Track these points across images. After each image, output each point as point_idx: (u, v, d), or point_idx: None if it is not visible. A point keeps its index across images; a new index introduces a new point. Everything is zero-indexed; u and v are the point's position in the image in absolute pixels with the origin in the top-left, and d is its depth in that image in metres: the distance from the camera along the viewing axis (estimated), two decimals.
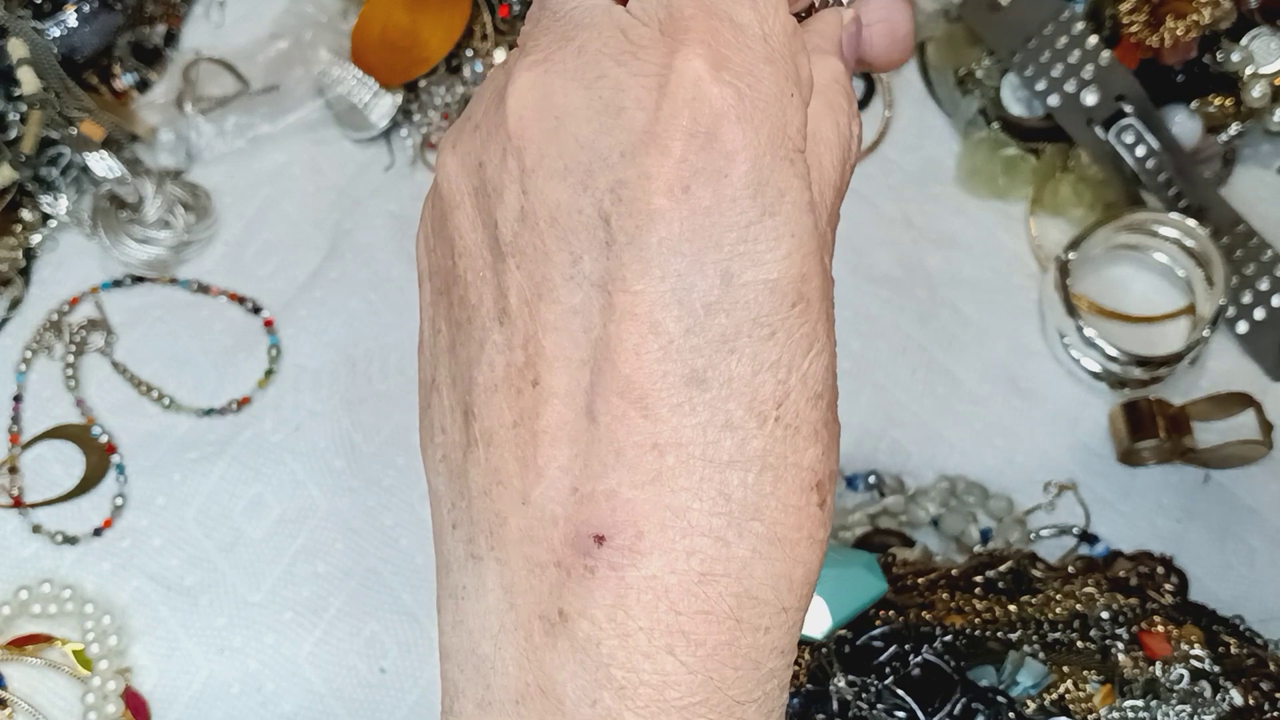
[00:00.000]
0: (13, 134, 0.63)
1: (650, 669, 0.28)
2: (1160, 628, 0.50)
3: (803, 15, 0.33)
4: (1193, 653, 0.49)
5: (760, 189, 0.28)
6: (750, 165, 0.28)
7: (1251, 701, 0.49)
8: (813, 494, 0.29)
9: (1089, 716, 0.48)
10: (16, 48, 0.62)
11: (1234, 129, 0.65)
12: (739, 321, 0.28)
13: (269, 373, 0.63)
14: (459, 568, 0.30)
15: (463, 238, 0.30)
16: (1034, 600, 0.52)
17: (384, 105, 0.67)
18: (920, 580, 0.53)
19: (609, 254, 0.28)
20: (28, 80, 0.62)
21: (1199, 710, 0.48)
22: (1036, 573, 0.54)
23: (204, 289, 0.65)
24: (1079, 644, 0.51)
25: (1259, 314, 0.63)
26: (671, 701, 0.28)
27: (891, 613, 0.50)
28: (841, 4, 0.34)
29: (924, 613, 0.51)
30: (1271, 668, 0.50)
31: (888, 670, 0.48)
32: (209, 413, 0.62)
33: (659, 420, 0.28)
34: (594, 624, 0.28)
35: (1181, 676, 0.48)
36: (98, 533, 0.60)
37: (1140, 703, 0.48)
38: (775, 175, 0.28)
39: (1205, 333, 0.61)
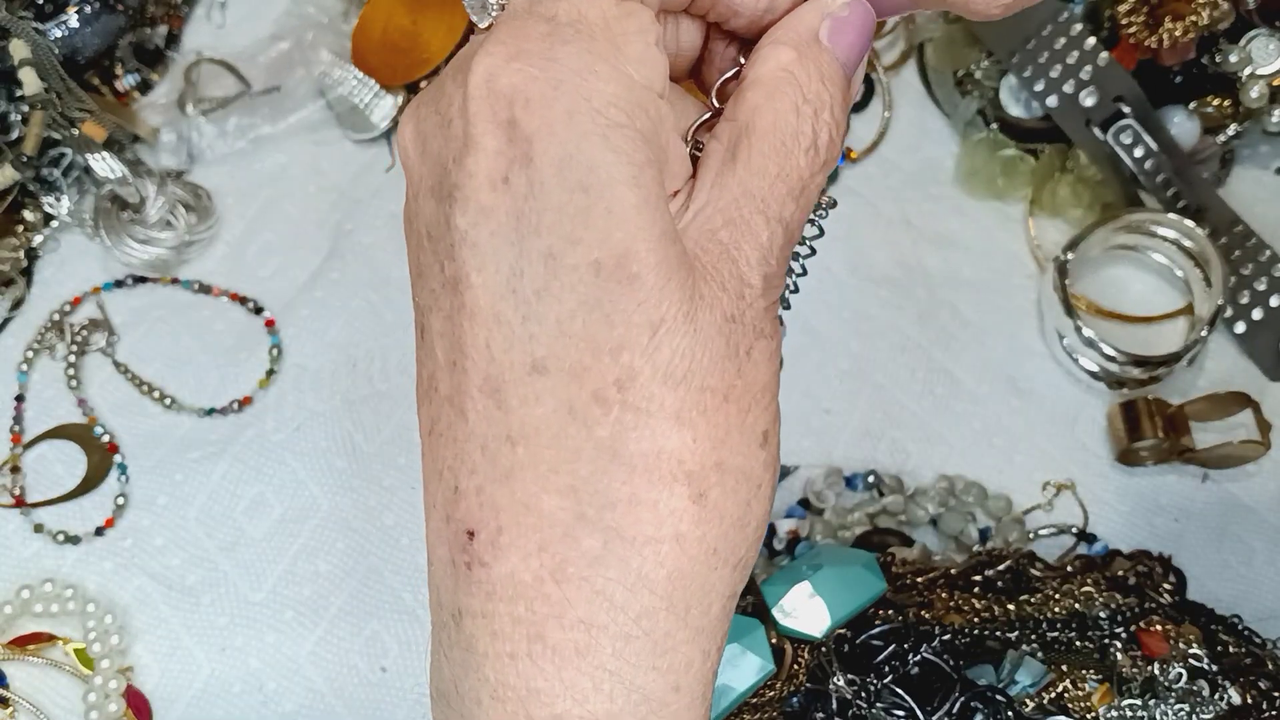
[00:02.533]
0: (15, 135, 0.64)
1: (514, 672, 0.28)
2: (1158, 627, 0.51)
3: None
4: (1191, 652, 0.49)
5: (564, 167, 0.27)
6: (548, 144, 0.27)
7: (1249, 700, 0.49)
8: (678, 486, 0.28)
9: (1087, 715, 0.49)
10: (18, 49, 0.63)
11: (1232, 130, 0.65)
12: (570, 305, 0.27)
13: (270, 373, 0.63)
14: (432, 573, 0.32)
15: (409, 273, 0.31)
16: (1032, 599, 0.52)
17: (385, 106, 0.67)
18: (919, 579, 0.53)
19: (454, 255, 0.28)
20: (29, 81, 0.62)
21: (1197, 709, 0.48)
22: (1035, 572, 0.54)
23: (205, 289, 0.65)
24: (1077, 643, 0.51)
25: (1257, 314, 0.63)
26: (533, 713, 0.28)
27: (890, 612, 0.50)
28: None
29: (923, 612, 0.51)
30: (1269, 666, 0.51)
31: (887, 669, 0.48)
32: (210, 412, 0.62)
33: (510, 412, 0.28)
34: (474, 621, 0.29)
35: (1180, 675, 0.49)
36: (99, 532, 0.60)
37: (1138, 701, 0.48)
38: (581, 152, 0.27)
39: (1203, 333, 0.61)
